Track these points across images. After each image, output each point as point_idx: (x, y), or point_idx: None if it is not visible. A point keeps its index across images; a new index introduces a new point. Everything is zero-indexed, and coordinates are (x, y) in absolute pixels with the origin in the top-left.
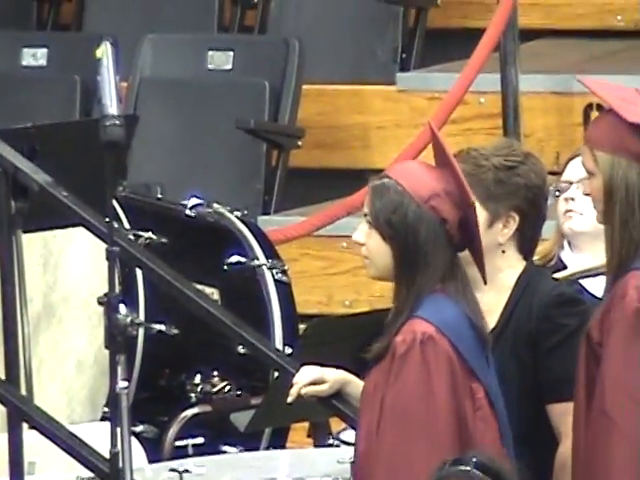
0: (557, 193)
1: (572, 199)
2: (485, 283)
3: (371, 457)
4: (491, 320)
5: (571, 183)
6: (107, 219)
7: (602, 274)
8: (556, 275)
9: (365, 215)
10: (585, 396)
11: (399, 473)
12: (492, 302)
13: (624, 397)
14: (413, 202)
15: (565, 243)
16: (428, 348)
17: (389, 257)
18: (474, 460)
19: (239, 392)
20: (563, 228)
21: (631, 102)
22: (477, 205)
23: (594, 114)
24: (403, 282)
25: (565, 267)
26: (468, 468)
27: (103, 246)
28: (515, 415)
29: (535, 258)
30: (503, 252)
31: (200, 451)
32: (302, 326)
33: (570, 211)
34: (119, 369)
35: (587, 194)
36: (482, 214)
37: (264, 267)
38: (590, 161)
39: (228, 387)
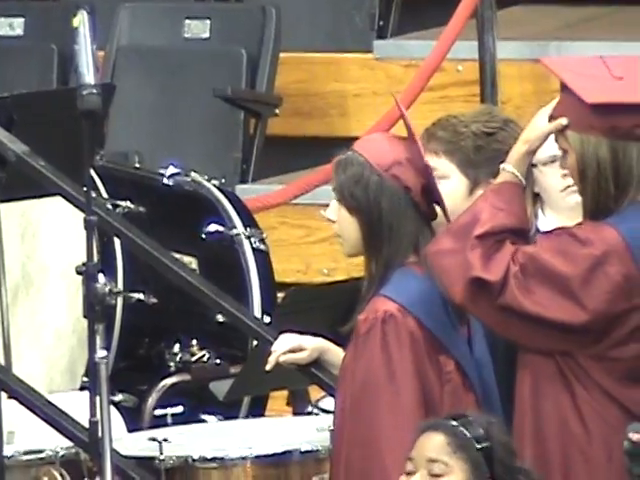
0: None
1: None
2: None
3: (340, 435)
4: None
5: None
6: (85, 188)
7: None
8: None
9: (333, 190)
10: None
11: (365, 454)
12: None
13: None
14: (374, 172)
15: (539, 212)
16: (389, 327)
17: (358, 231)
18: (465, 419)
19: (218, 361)
20: (568, 202)
21: (592, 77)
22: (457, 172)
23: None
24: (372, 255)
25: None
26: (455, 423)
27: (81, 215)
28: (502, 383)
29: None
30: None
31: (179, 420)
32: (280, 294)
33: (571, 186)
34: (98, 338)
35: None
36: (462, 181)
37: (242, 236)
38: (562, 140)
39: (207, 356)
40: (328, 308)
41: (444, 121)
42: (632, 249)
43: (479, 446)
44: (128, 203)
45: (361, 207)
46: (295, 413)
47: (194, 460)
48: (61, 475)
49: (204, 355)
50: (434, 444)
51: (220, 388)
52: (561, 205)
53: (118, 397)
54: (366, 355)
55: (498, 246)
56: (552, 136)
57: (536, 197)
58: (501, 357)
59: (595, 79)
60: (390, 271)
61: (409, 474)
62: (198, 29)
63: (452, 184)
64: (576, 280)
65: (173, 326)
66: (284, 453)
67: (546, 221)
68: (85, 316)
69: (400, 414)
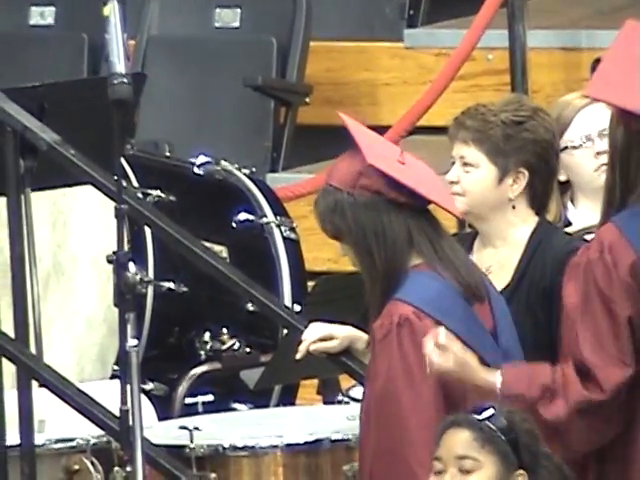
0: (575, 145)
1: (605, 152)
2: (458, 218)
3: (365, 442)
4: (505, 276)
5: (589, 138)
6: (115, 177)
7: None
8: (568, 229)
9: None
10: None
11: (390, 461)
12: (506, 258)
13: None
14: (344, 193)
15: (568, 203)
16: (404, 331)
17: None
18: (488, 412)
19: (248, 349)
20: (601, 182)
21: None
22: (486, 161)
23: None
24: (372, 273)
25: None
26: (478, 417)
27: (112, 204)
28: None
29: None
30: (514, 207)
31: (210, 408)
32: (311, 283)
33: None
34: (128, 327)
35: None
36: (492, 170)
37: (272, 224)
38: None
39: (237, 344)
40: (358, 297)
41: (473, 110)
42: None
43: (505, 437)
44: (159, 192)
45: (346, 233)
46: (325, 402)
47: (225, 448)
48: (92, 464)
49: (234, 344)
50: (461, 441)
51: (251, 377)
52: (595, 185)
53: (149, 386)
54: (384, 361)
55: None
56: (583, 116)
57: (563, 187)
58: (530, 344)
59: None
60: (396, 276)
61: (438, 473)
62: (228, 18)
63: (481, 173)
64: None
65: (203, 315)
66: (314, 442)
67: (577, 213)
68: (116, 305)
69: (422, 417)
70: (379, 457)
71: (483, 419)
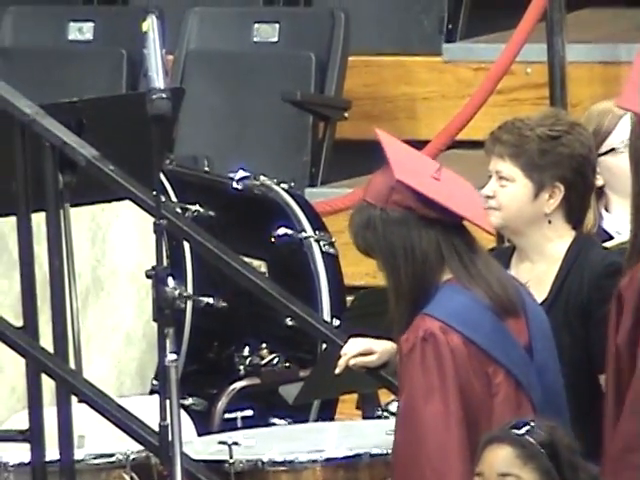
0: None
1: None
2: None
3: (394, 456)
4: (542, 291)
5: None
6: (154, 192)
7: None
8: (606, 244)
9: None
10: (614, 352)
11: (410, 476)
12: (543, 273)
13: None
14: (377, 209)
15: (603, 211)
16: (428, 346)
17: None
18: (528, 427)
19: (287, 364)
20: None
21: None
22: (522, 176)
23: None
24: (400, 290)
25: (608, 235)
26: (520, 432)
27: (150, 219)
28: (569, 385)
29: None
30: (550, 222)
31: (249, 423)
32: (350, 298)
33: None
34: (167, 342)
35: None
36: (527, 185)
37: (311, 239)
38: None
39: (276, 359)
40: None
41: (509, 124)
42: None
43: (547, 453)
44: (197, 207)
45: (378, 249)
46: (365, 416)
47: (264, 463)
48: (132, 479)
49: (273, 359)
50: (503, 457)
51: (290, 391)
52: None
53: (188, 401)
54: (408, 376)
55: None
56: (627, 122)
57: (597, 193)
58: (567, 359)
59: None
60: (423, 292)
61: None
62: (267, 33)
63: (517, 187)
64: None
65: (242, 330)
66: (354, 457)
67: (612, 219)
68: (155, 320)
69: (441, 434)
70: (399, 471)
71: (524, 434)
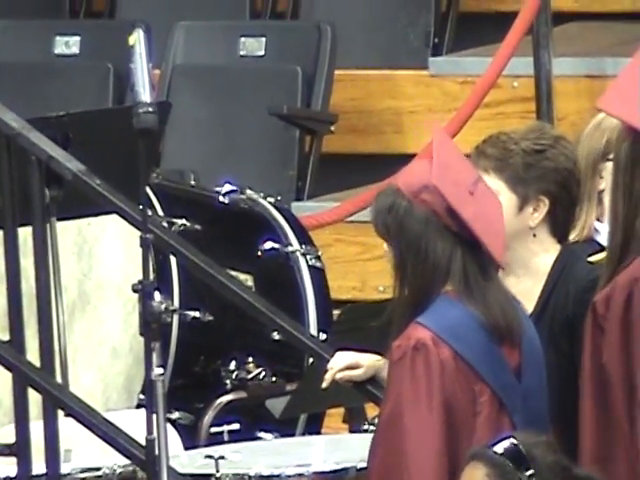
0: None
1: None
2: (503, 269)
3: (371, 460)
4: (528, 305)
5: None
6: (141, 206)
7: None
8: (591, 259)
9: None
10: (591, 365)
11: None
12: (528, 288)
13: None
14: (404, 199)
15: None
16: (419, 355)
17: None
18: (506, 445)
19: (274, 378)
20: None
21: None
22: (506, 189)
23: None
24: (403, 283)
25: (600, 247)
26: (498, 450)
27: (137, 233)
28: (556, 402)
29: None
30: (534, 236)
31: (236, 437)
32: (336, 312)
33: None
34: (154, 356)
35: None
36: (512, 198)
37: (298, 253)
38: None
39: (263, 373)
40: (384, 326)
41: (494, 138)
42: None
43: (521, 473)
44: (184, 221)
45: (392, 236)
46: (351, 430)
47: (250, 477)
48: None
49: (260, 372)
50: (475, 477)
51: (276, 405)
52: None
53: (175, 415)
54: (396, 383)
55: None
56: None
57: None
58: (554, 375)
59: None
60: (426, 297)
61: None
62: (253, 47)
63: (501, 201)
64: None
65: (229, 344)
66: (340, 470)
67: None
68: (141, 334)
69: (424, 444)
70: (381, 476)
71: (501, 453)
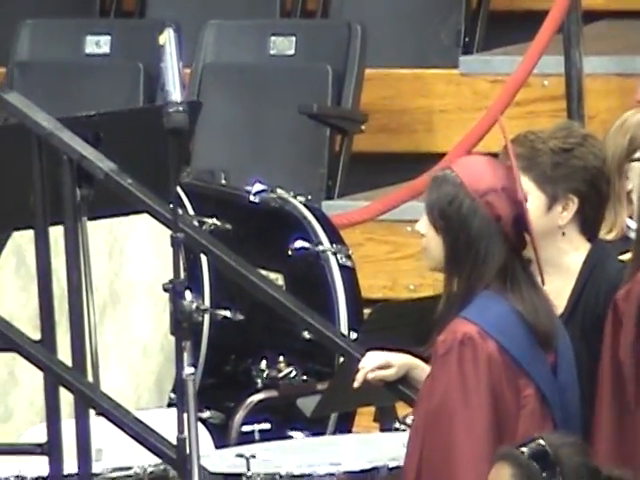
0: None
1: None
2: (543, 283)
3: (413, 453)
4: (559, 304)
5: None
6: (171, 205)
7: None
8: (622, 257)
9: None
10: (610, 361)
11: (438, 477)
12: (559, 287)
13: None
14: (469, 196)
15: (628, 220)
16: (466, 349)
17: (442, 249)
18: (532, 445)
19: (305, 377)
20: None
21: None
22: (534, 189)
23: None
24: (453, 277)
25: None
26: (524, 451)
27: (167, 233)
28: (586, 399)
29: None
30: (564, 234)
31: (267, 436)
32: (367, 311)
33: None
34: (185, 355)
35: None
36: (540, 197)
37: (328, 252)
38: None
39: (294, 372)
40: (414, 324)
41: (522, 137)
42: None
43: (546, 474)
44: (214, 220)
45: (449, 229)
46: (382, 429)
47: (281, 476)
48: None
49: (291, 371)
50: (501, 477)
51: (307, 404)
52: None
53: (205, 414)
54: (443, 377)
55: None
56: None
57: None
58: (585, 373)
59: None
60: (472, 295)
61: None
62: (284, 46)
63: (530, 201)
64: None
65: (260, 343)
66: (371, 470)
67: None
68: (172, 333)
69: (474, 438)
70: (425, 474)
71: (527, 454)
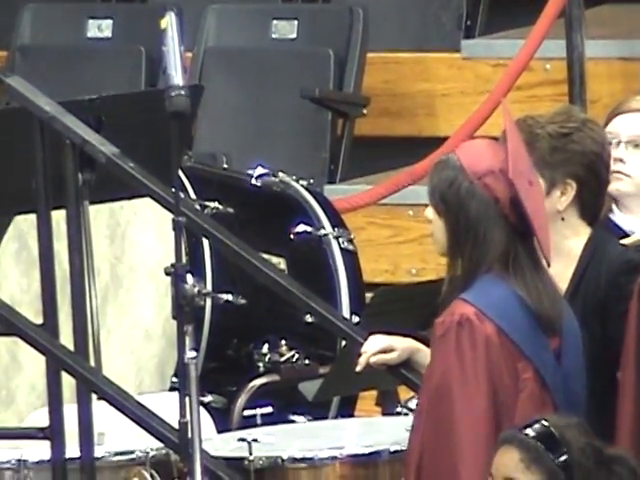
0: None
1: (621, 160)
2: (549, 266)
3: (416, 436)
4: (560, 290)
5: (619, 142)
6: (173, 189)
7: None
8: (623, 241)
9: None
10: (636, 347)
11: (438, 458)
12: (560, 271)
13: None
14: (467, 178)
15: (613, 205)
16: (464, 331)
17: (445, 234)
18: (537, 428)
19: (307, 361)
20: (609, 188)
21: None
22: None
23: None
24: (454, 260)
25: (618, 229)
26: (530, 434)
27: (169, 216)
28: (587, 385)
29: None
30: (563, 219)
31: (269, 420)
32: (369, 295)
33: (618, 172)
34: (187, 339)
35: None
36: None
37: (330, 236)
38: None
39: (296, 356)
40: (417, 308)
41: (521, 122)
42: None
43: (554, 456)
44: (216, 204)
45: (449, 211)
46: (384, 413)
47: (283, 460)
48: (151, 476)
49: (293, 355)
50: (508, 461)
51: (309, 388)
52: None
53: (207, 398)
54: (441, 358)
55: None
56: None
57: None
58: (587, 358)
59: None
60: (473, 278)
61: None
62: (285, 30)
63: None
64: None
65: (262, 327)
66: (373, 453)
67: (623, 218)
68: (174, 317)
69: (473, 416)
70: (427, 450)
71: (533, 437)
